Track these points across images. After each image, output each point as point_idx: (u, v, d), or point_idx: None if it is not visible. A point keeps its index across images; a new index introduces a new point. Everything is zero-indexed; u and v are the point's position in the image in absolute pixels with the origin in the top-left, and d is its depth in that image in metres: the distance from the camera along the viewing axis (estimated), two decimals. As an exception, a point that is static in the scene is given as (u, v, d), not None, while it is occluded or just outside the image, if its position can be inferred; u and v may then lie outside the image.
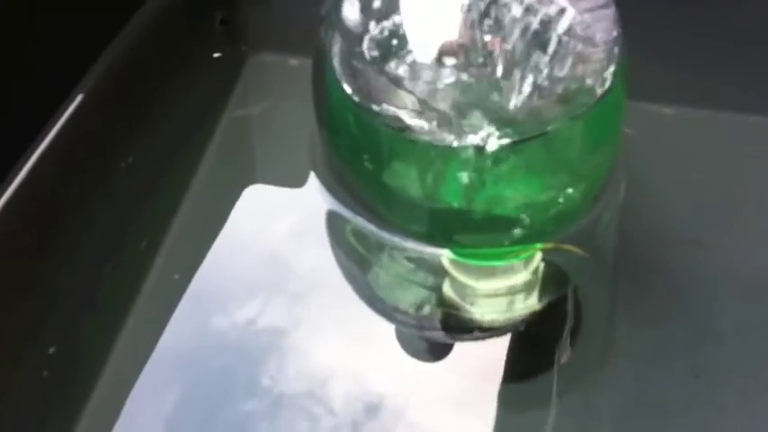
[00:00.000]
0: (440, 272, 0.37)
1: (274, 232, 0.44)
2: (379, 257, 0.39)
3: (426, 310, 0.39)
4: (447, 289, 0.37)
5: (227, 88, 0.49)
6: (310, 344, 0.40)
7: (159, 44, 0.44)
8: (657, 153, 0.45)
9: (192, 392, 0.39)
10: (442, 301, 0.37)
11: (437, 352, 0.40)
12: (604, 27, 0.32)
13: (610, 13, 0.32)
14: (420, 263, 0.37)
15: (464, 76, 0.29)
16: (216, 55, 0.49)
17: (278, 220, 0.45)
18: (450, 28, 0.30)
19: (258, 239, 0.44)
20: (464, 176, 0.30)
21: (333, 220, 0.41)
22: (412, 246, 0.36)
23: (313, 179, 0.43)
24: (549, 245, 0.36)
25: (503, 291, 0.37)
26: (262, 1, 0.50)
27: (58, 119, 0.38)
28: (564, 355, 0.39)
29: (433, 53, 0.30)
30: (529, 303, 0.37)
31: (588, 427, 0.38)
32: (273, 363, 0.39)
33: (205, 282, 0.42)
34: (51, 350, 0.38)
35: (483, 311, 0.37)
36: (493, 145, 0.30)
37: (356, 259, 0.41)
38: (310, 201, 0.44)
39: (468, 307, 0.37)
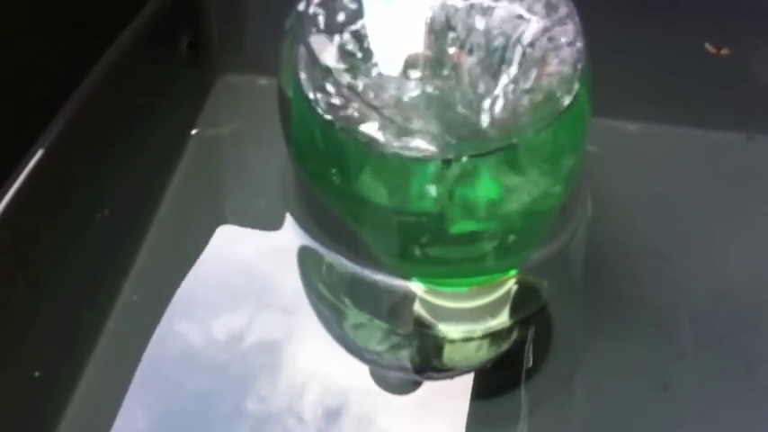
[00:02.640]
0: (410, 308, 0.37)
1: (243, 256, 0.44)
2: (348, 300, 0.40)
3: (396, 352, 0.39)
4: (418, 307, 0.37)
5: (195, 110, 0.49)
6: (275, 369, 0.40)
7: (133, 78, 0.44)
8: (622, 169, 0.46)
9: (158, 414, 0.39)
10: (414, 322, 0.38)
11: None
12: (568, 38, 0.32)
13: (573, 25, 0.32)
14: (390, 297, 0.37)
15: (429, 89, 0.29)
16: (183, 78, 0.50)
17: (247, 245, 0.45)
18: (415, 40, 0.30)
19: (227, 262, 0.44)
20: (432, 189, 0.30)
21: (305, 255, 0.41)
22: (382, 278, 0.36)
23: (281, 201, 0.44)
24: (517, 276, 0.36)
25: (474, 310, 0.37)
26: (228, 23, 0.50)
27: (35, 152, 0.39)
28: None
29: (399, 65, 0.30)
30: (500, 321, 0.37)
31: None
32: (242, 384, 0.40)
33: (173, 305, 0.42)
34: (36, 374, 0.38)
35: (454, 329, 0.38)
36: (459, 158, 0.30)
37: (327, 301, 0.41)
38: (279, 225, 0.44)
39: (439, 325, 0.37)
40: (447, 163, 0.30)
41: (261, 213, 0.45)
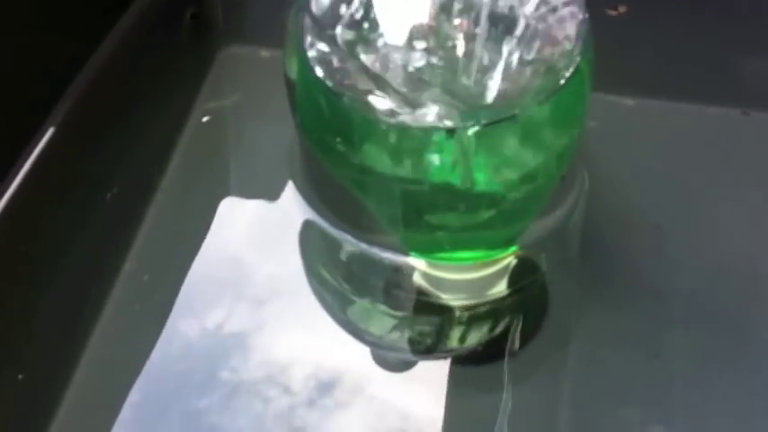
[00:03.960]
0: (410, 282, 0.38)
1: (248, 229, 0.45)
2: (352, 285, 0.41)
3: (396, 334, 0.40)
4: (418, 278, 0.38)
5: (198, 82, 0.49)
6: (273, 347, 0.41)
7: (136, 52, 0.44)
8: (620, 143, 0.46)
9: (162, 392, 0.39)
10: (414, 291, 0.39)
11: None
12: (571, 10, 0.33)
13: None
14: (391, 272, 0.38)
15: (434, 60, 0.30)
16: (186, 50, 0.50)
17: (251, 218, 0.45)
18: (421, 11, 0.30)
19: (232, 235, 0.44)
20: (435, 158, 0.31)
21: (307, 229, 0.42)
22: (387, 255, 0.37)
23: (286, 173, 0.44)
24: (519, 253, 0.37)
25: (474, 281, 0.38)
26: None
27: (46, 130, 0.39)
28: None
29: (404, 36, 0.31)
30: (498, 290, 0.39)
31: (551, 405, 0.39)
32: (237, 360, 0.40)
33: (174, 286, 0.42)
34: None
35: (453, 297, 0.39)
36: (463, 128, 0.31)
37: (327, 280, 0.42)
38: (284, 197, 0.45)
39: (438, 293, 0.38)
40: (451, 133, 0.31)
41: (266, 185, 0.46)
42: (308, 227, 0.41)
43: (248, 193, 0.46)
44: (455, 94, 0.30)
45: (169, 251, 0.43)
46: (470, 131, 0.30)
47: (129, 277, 0.42)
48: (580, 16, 0.32)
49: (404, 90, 0.30)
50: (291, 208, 0.43)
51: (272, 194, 0.45)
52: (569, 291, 0.42)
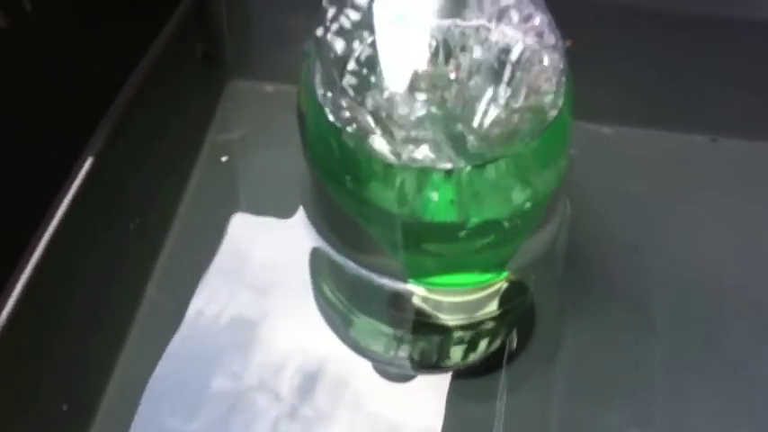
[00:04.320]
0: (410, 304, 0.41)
1: (259, 253, 0.48)
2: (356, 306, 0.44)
3: (396, 350, 0.44)
4: (417, 300, 0.41)
5: (208, 115, 0.53)
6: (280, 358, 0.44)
7: (156, 90, 0.48)
8: (599, 169, 0.49)
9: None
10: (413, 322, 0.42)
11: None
12: (552, 56, 0.36)
13: (555, 42, 0.36)
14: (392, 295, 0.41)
15: (434, 109, 0.34)
16: (198, 86, 0.53)
17: (264, 246, 0.48)
18: (420, 57, 0.34)
19: (244, 259, 0.48)
20: (435, 195, 0.35)
21: (315, 255, 0.45)
22: (388, 281, 0.40)
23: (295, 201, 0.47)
24: (511, 277, 0.40)
25: (468, 303, 0.41)
26: (239, 34, 0.54)
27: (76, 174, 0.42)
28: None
29: (406, 82, 0.34)
30: (490, 309, 0.41)
31: (541, 411, 0.43)
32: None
33: (193, 308, 0.46)
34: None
35: (449, 318, 0.42)
36: (459, 169, 0.34)
37: (331, 301, 0.45)
38: (292, 223, 0.48)
39: (436, 313, 0.41)
40: (448, 173, 0.34)
41: (276, 212, 0.49)
42: (316, 252, 0.44)
43: (260, 219, 0.49)
44: (451, 137, 0.34)
45: (188, 276, 0.47)
46: (466, 171, 0.34)
47: (152, 302, 0.46)
48: (561, 65, 0.36)
49: (408, 136, 0.34)
50: (301, 234, 0.45)
51: (282, 221, 0.49)
52: (555, 308, 0.46)
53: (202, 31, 0.52)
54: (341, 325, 0.45)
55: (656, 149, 0.52)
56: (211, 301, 0.46)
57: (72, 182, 0.40)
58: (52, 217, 0.39)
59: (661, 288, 0.46)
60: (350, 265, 0.41)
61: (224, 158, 0.50)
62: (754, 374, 0.43)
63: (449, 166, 0.34)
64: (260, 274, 0.47)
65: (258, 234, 0.49)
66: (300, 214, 0.46)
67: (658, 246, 0.48)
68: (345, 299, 0.44)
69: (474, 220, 0.36)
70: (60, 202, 0.40)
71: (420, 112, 0.33)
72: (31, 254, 0.39)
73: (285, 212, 0.49)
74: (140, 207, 0.47)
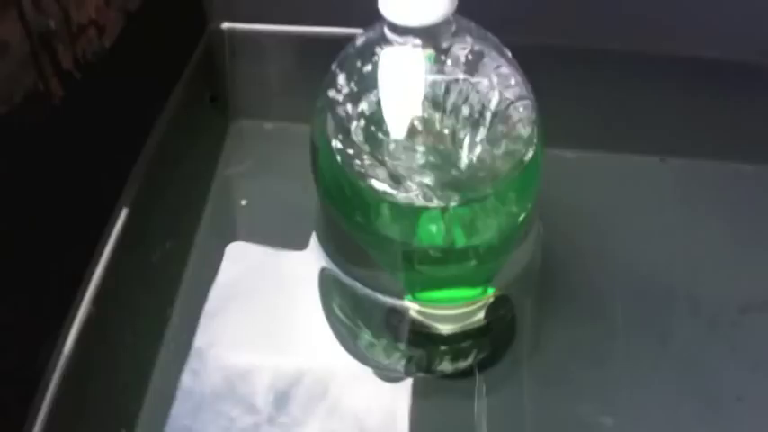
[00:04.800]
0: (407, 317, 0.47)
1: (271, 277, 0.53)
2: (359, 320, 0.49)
3: (395, 359, 0.49)
4: (413, 313, 0.47)
5: (217, 151, 0.58)
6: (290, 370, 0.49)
7: (174, 135, 0.52)
8: (564, 190, 0.54)
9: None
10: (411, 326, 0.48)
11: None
12: (524, 103, 0.41)
13: (527, 91, 0.42)
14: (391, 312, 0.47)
15: (431, 158, 0.40)
16: (206, 126, 0.59)
17: (274, 268, 0.54)
18: (416, 106, 0.40)
19: (258, 286, 0.53)
20: (433, 228, 0.41)
21: (323, 277, 0.50)
22: (387, 299, 0.46)
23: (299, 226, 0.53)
24: (497, 294, 0.46)
25: (458, 314, 0.47)
26: (240, 79, 0.60)
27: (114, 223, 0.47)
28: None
29: (405, 128, 0.40)
30: (477, 319, 0.47)
31: (523, 403, 0.48)
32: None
33: (213, 329, 0.51)
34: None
35: (443, 327, 0.48)
36: (452, 206, 0.41)
37: (339, 318, 0.50)
38: (298, 249, 0.53)
39: (431, 323, 0.47)
40: (443, 209, 0.41)
41: (280, 237, 0.54)
42: (324, 273, 0.50)
43: (269, 244, 0.54)
44: (445, 181, 0.40)
45: (208, 300, 0.52)
46: (457, 208, 0.41)
47: (175, 328, 0.51)
48: (534, 115, 0.42)
49: (409, 180, 0.40)
50: (307, 257, 0.51)
51: (289, 245, 0.54)
52: (533, 316, 0.51)
53: (209, 79, 0.58)
54: (347, 337, 0.50)
55: (612, 170, 0.58)
56: (229, 321, 0.52)
57: (113, 227, 0.46)
58: (99, 258, 0.45)
59: (621, 293, 0.52)
60: (355, 284, 0.47)
61: (243, 202, 0.56)
62: (700, 365, 0.49)
63: (443, 204, 0.41)
64: (273, 294, 0.52)
65: (268, 258, 0.54)
66: (303, 239, 0.52)
67: (617, 255, 0.53)
68: (350, 313, 0.50)
69: (463, 246, 0.42)
70: (104, 245, 0.45)
71: (420, 161, 0.40)
72: (81, 297, 0.44)
73: (291, 237, 0.54)
74: (162, 240, 0.53)
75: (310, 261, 0.50)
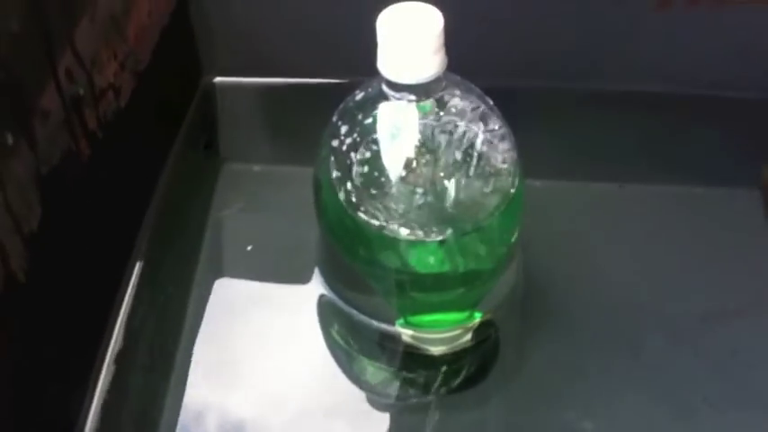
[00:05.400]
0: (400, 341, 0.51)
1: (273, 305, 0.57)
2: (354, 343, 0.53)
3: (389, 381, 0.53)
4: (406, 338, 0.51)
5: (210, 193, 0.61)
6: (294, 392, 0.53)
7: (175, 183, 0.56)
8: (534, 217, 0.54)
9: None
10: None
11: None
12: (505, 144, 0.46)
13: (506, 134, 0.47)
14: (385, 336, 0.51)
15: (428, 198, 0.45)
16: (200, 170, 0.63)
17: (274, 299, 0.57)
18: (409, 148, 0.44)
19: (259, 316, 0.56)
20: (431, 258, 0.46)
21: (322, 301, 0.54)
22: (383, 326, 0.50)
23: (290, 262, 0.57)
24: (484, 318, 0.51)
25: (449, 337, 0.52)
26: (231, 126, 0.64)
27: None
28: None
29: (401, 167, 0.44)
30: (465, 340, 0.52)
31: (513, 413, 0.52)
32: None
33: (219, 355, 0.55)
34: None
35: (435, 348, 0.52)
36: (448, 238, 0.45)
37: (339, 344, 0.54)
38: (294, 283, 0.57)
39: (423, 346, 0.52)
40: (441, 242, 0.45)
41: (275, 270, 0.58)
42: (322, 300, 0.54)
43: (265, 279, 0.58)
44: (440, 216, 0.45)
45: (216, 333, 0.55)
46: (453, 239, 0.45)
47: (181, 362, 0.54)
48: (515, 153, 0.47)
49: (409, 218, 0.45)
50: (306, 286, 0.55)
51: (285, 278, 0.57)
52: (515, 334, 0.55)
53: (203, 127, 0.62)
54: (345, 361, 0.54)
55: (576, 196, 0.61)
56: (234, 351, 0.55)
57: (128, 280, 0.49)
58: (119, 307, 0.48)
59: (592, 310, 0.56)
60: (352, 311, 0.51)
61: (249, 248, 0.59)
62: (668, 371, 0.53)
63: (441, 237, 0.45)
64: (273, 323, 0.56)
65: (265, 291, 0.58)
66: (298, 271, 0.56)
67: (586, 275, 0.57)
68: (349, 339, 0.54)
69: (459, 272, 0.47)
70: (123, 296, 0.49)
71: (418, 202, 0.45)
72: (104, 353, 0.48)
73: (286, 270, 0.58)
74: (166, 283, 0.56)
75: (307, 291, 0.55)
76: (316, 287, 0.56)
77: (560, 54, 0.60)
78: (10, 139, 0.36)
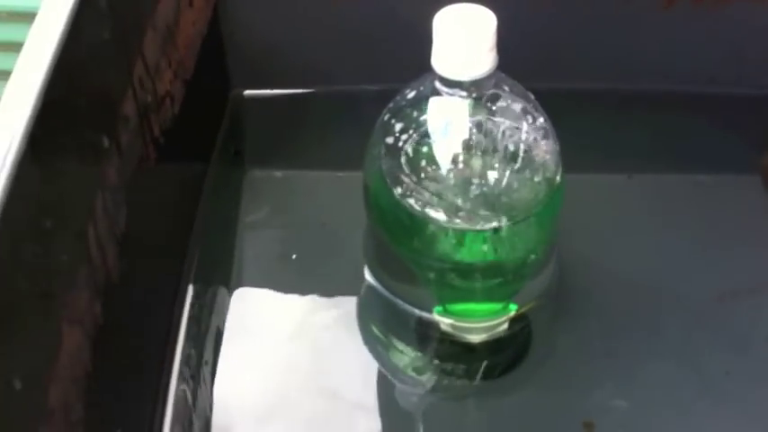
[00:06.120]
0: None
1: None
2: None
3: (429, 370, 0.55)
4: (444, 326, 0.54)
5: (238, 199, 0.64)
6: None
7: (211, 192, 0.59)
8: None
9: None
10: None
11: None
12: (548, 137, 0.49)
13: (548, 127, 0.49)
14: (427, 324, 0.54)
15: (483, 189, 0.47)
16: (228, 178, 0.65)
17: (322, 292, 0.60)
18: (465, 149, 0.47)
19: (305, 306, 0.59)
20: (486, 247, 0.49)
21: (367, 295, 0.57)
22: (426, 315, 0.53)
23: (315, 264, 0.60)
24: (519, 311, 0.53)
25: (485, 326, 0.54)
26: (255, 134, 0.67)
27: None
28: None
29: (450, 160, 0.47)
30: (501, 329, 0.54)
31: (548, 394, 0.55)
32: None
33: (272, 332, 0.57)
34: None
35: (472, 337, 0.55)
36: (502, 227, 0.48)
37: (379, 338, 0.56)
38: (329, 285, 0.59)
39: (461, 335, 0.54)
40: (496, 230, 0.48)
41: (306, 266, 0.61)
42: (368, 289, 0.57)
43: (301, 275, 0.60)
44: (494, 206, 0.47)
45: (259, 305, 0.58)
46: (506, 228, 0.48)
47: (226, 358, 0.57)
48: (557, 146, 0.50)
49: (464, 208, 0.47)
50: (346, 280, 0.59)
51: (326, 272, 0.61)
52: (546, 322, 0.58)
53: (232, 135, 0.64)
54: (382, 352, 0.57)
55: (587, 188, 0.63)
56: (272, 342, 0.58)
57: (182, 310, 0.51)
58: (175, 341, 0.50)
59: (615, 296, 0.59)
60: (396, 300, 0.54)
61: (294, 256, 0.61)
62: (690, 348, 0.57)
63: (495, 225, 0.48)
64: (321, 314, 0.58)
65: (307, 287, 0.60)
66: (334, 266, 0.60)
67: (605, 262, 0.61)
68: (390, 329, 0.56)
69: (508, 259, 0.50)
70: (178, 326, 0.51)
71: (475, 191, 0.47)
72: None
73: (326, 266, 0.61)
74: (205, 290, 0.59)
75: (348, 284, 0.58)
76: (353, 282, 0.58)
77: (569, 53, 0.64)
78: (106, 142, 0.38)
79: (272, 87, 0.67)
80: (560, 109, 0.63)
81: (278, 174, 0.66)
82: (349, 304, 0.59)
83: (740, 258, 0.62)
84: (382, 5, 0.63)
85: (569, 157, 0.63)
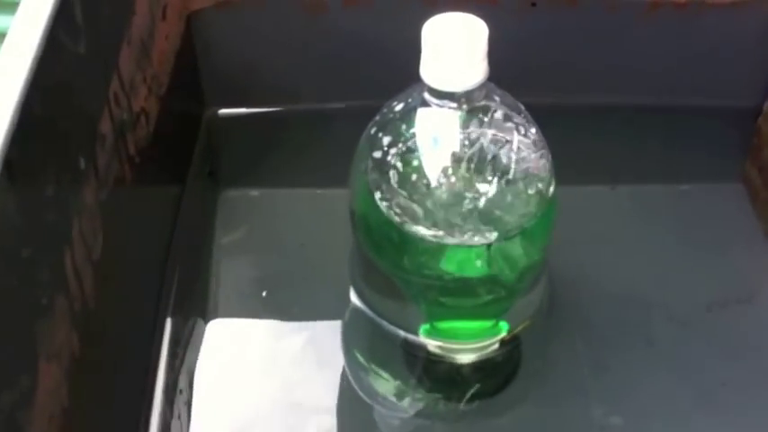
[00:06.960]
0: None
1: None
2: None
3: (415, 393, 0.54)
4: (432, 347, 0.52)
5: (212, 220, 0.62)
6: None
7: (190, 211, 0.57)
8: None
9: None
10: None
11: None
12: (540, 149, 0.47)
13: (540, 138, 0.48)
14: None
15: (475, 203, 0.46)
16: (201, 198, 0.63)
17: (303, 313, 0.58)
18: (456, 162, 0.45)
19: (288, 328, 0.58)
20: (479, 262, 0.47)
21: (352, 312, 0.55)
22: (412, 337, 0.51)
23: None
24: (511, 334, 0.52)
25: (475, 347, 0.53)
26: (229, 153, 0.65)
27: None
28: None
29: (438, 174, 0.45)
30: (492, 349, 0.53)
31: (542, 409, 0.54)
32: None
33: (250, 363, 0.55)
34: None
35: (461, 357, 0.53)
36: (494, 241, 0.46)
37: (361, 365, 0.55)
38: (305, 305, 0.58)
39: (450, 356, 0.53)
40: (488, 246, 0.46)
41: (288, 287, 0.59)
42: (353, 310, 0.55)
43: (280, 299, 0.59)
44: (486, 222, 0.46)
45: (241, 320, 0.57)
46: (498, 243, 0.46)
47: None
48: (549, 158, 0.48)
49: (455, 224, 0.46)
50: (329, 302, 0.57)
51: (307, 296, 0.59)
52: (538, 338, 0.56)
53: (206, 155, 0.62)
54: (364, 378, 0.55)
55: (571, 199, 0.61)
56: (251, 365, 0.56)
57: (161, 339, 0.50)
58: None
59: (606, 308, 0.58)
60: (382, 322, 0.52)
61: (264, 293, 0.59)
62: (684, 359, 0.56)
63: (487, 241, 0.46)
64: (296, 336, 0.57)
65: (290, 310, 0.59)
66: (314, 288, 0.58)
67: (593, 274, 0.60)
68: (376, 352, 0.55)
69: (500, 275, 0.48)
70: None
71: (467, 206, 0.45)
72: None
73: (305, 288, 0.59)
74: (187, 314, 0.57)
75: (329, 307, 0.56)
76: (334, 305, 0.57)
77: (549, 66, 0.63)
78: (82, 164, 0.36)
79: (246, 106, 0.66)
80: (543, 120, 0.63)
81: (254, 193, 0.65)
82: (330, 329, 0.57)
83: (726, 267, 0.61)
84: (356, 24, 0.62)
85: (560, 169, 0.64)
